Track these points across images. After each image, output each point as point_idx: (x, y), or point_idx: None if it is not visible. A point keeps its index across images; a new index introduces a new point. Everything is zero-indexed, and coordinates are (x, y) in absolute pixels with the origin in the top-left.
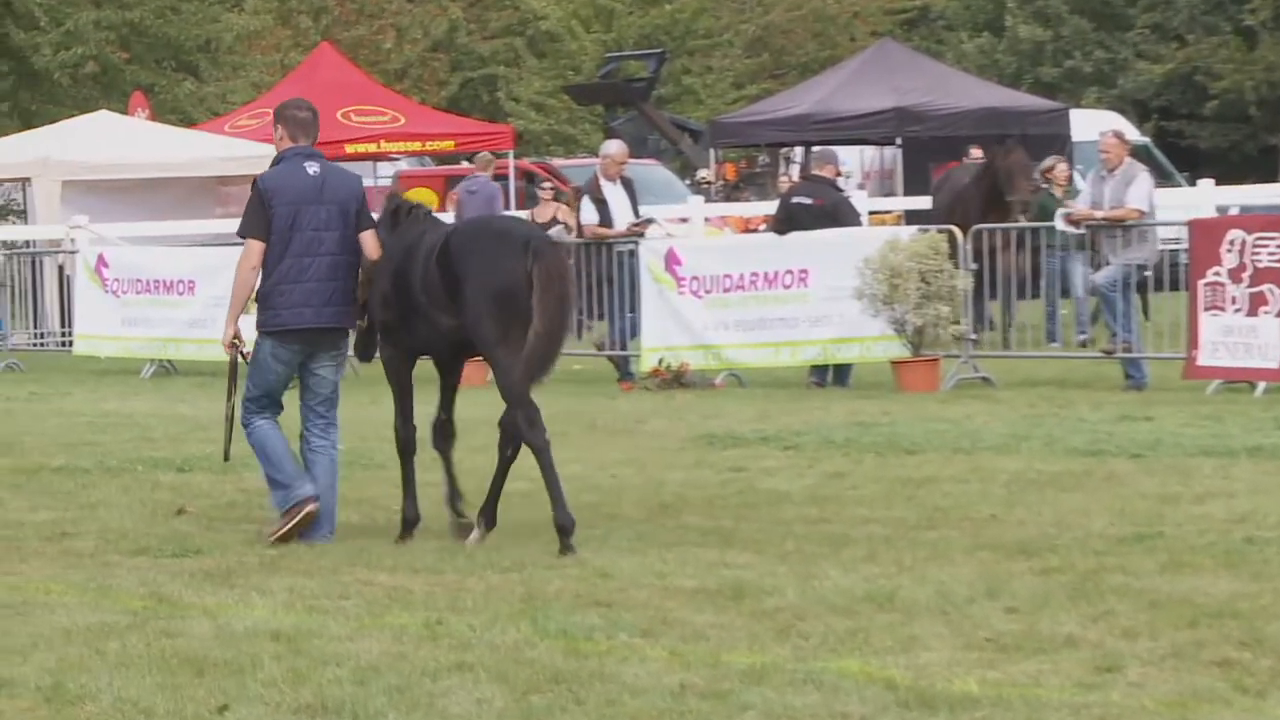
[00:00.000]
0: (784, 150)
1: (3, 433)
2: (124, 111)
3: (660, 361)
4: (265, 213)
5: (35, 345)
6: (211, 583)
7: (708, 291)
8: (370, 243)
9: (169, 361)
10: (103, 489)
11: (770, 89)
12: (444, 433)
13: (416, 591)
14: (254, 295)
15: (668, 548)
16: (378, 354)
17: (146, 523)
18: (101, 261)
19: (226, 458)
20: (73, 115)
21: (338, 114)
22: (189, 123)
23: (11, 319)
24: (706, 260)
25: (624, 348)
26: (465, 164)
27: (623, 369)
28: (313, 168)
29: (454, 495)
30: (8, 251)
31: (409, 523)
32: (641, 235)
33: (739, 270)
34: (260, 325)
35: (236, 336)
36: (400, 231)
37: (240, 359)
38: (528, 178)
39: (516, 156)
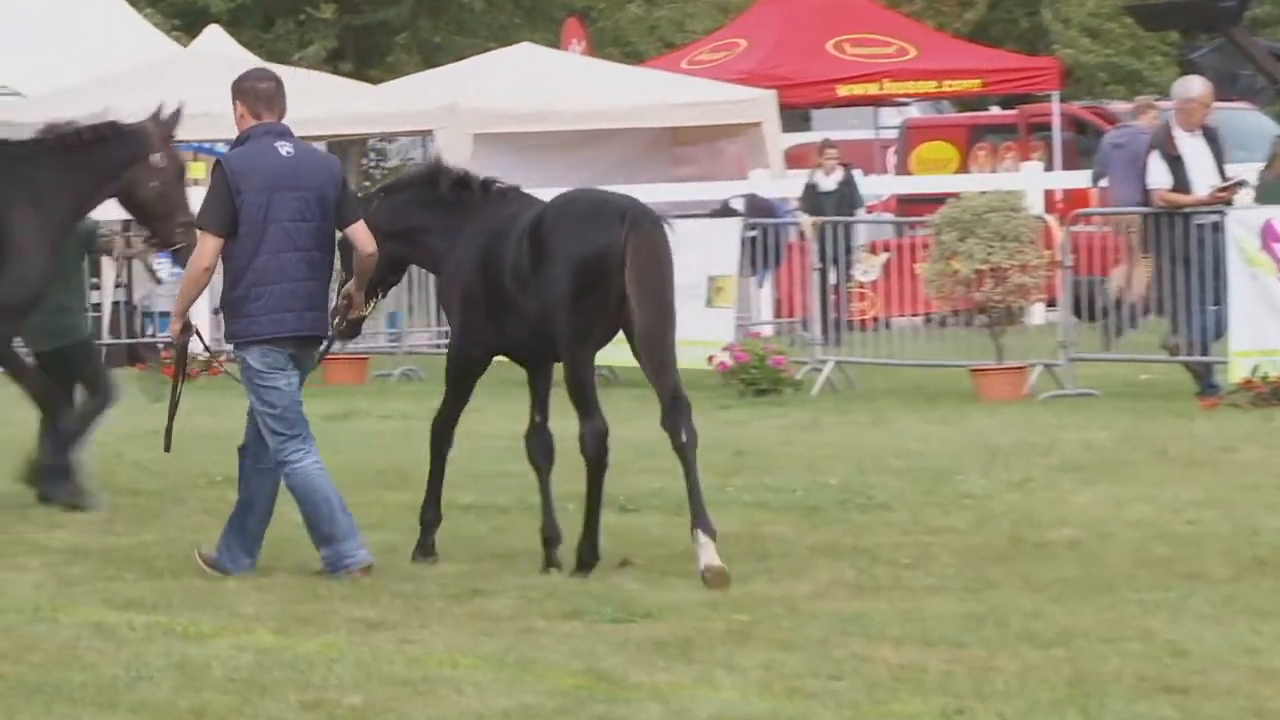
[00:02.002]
0: None
1: (397, 459)
2: (553, 44)
3: (1254, 370)
4: (231, 201)
5: (438, 347)
6: (664, 656)
7: None
8: (362, 235)
9: (609, 368)
10: (523, 533)
11: None
12: (541, 443)
13: (930, 671)
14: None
15: (1263, 617)
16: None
17: (579, 577)
18: None
19: (168, 448)
20: (488, 49)
21: (828, 45)
22: (636, 58)
23: (409, 314)
24: None
25: (1205, 352)
26: (995, 109)
27: (1204, 380)
28: (285, 148)
29: (551, 528)
30: None
31: (427, 526)
32: (1229, 203)
33: None
34: (234, 337)
35: (187, 327)
36: (477, 211)
37: (197, 340)
38: (1078, 127)
39: (1063, 99)
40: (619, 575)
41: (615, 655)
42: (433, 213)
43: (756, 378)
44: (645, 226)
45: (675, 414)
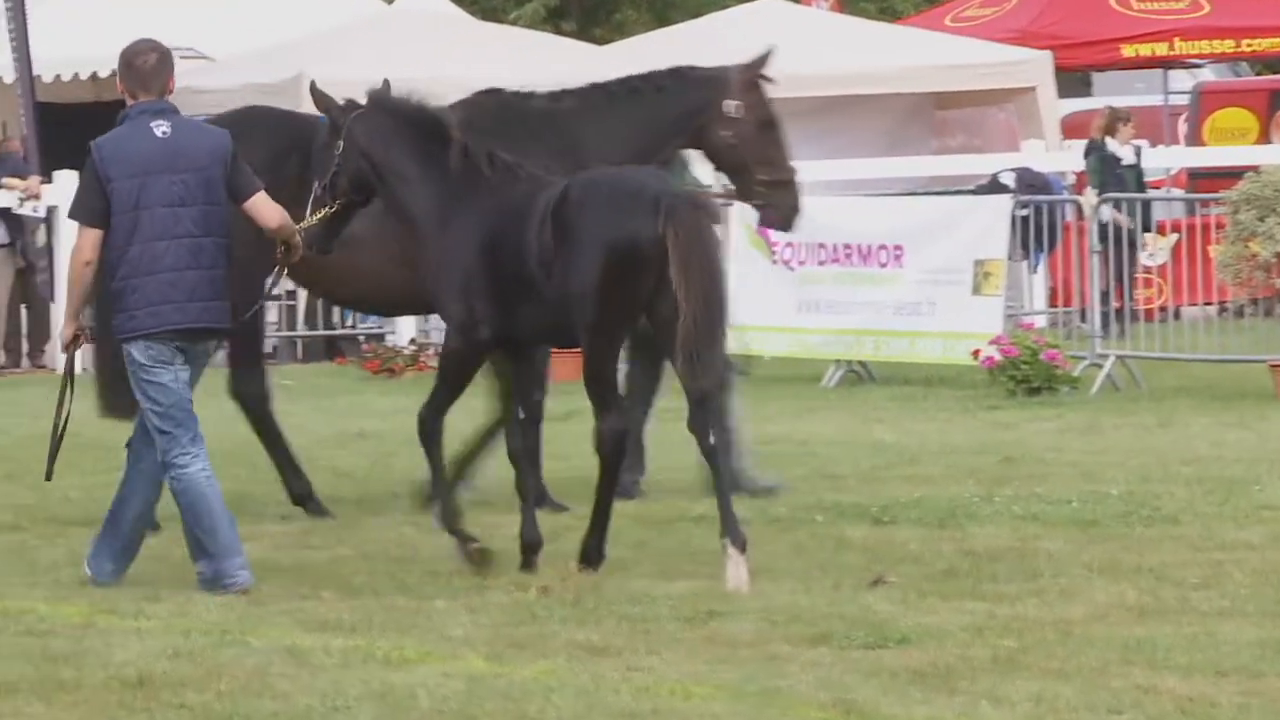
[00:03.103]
0: None
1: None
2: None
3: None
4: (101, 189)
5: None
6: (921, 686)
7: None
8: (264, 209)
9: (862, 364)
10: (765, 548)
11: None
12: (529, 445)
13: (1223, 704)
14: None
15: None
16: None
17: (829, 598)
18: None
19: (49, 476)
20: (725, 6)
21: (1112, 0)
22: (893, 15)
23: None
24: None
25: None
26: None
27: None
28: (161, 128)
29: (529, 523)
30: None
31: (458, 534)
32: None
33: None
34: (117, 332)
35: (79, 333)
36: (479, 187)
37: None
38: None
39: None
40: (872, 595)
41: (867, 685)
42: (420, 164)
43: (1028, 375)
44: (685, 214)
45: (705, 415)
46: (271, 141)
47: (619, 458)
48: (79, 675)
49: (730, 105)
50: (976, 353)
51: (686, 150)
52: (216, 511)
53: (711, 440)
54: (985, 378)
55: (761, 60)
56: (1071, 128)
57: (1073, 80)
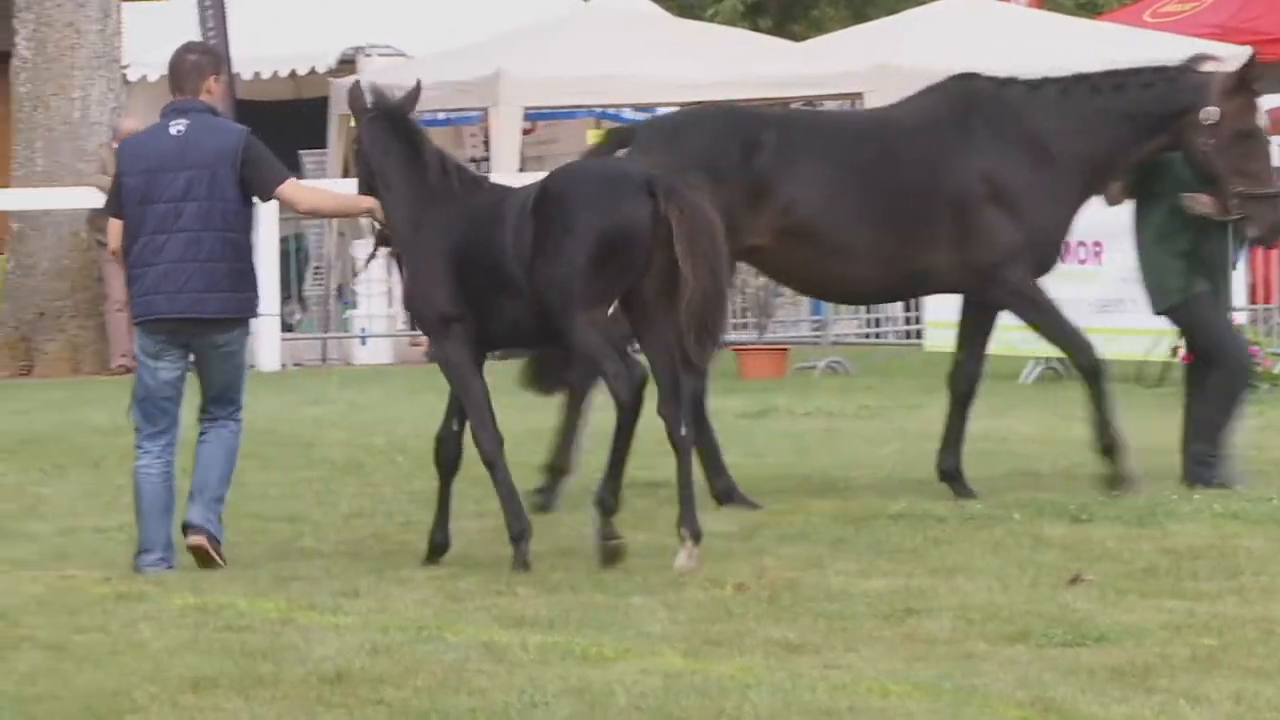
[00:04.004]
0: None
1: (822, 463)
2: None
3: None
4: (119, 184)
5: (867, 338)
6: (1120, 684)
7: None
8: (294, 194)
9: (1060, 360)
10: (963, 546)
11: None
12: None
13: None
14: None
15: None
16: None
17: (1026, 596)
18: None
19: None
20: (923, 1)
21: None
22: (1092, 11)
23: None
24: None
25: None
26: None
27: None
28: (177, 126)
29: (441, 528)
30: None
31: (520, 538)
32: None
33: None
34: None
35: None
36: (447, 199)
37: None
38: None
39: None
40: (1070, 593)
41: (1065, 683)
42: (403, 173)
43: None
44: (684, 193)
45: (675, 402)
46: (716, 136)
47: (638, 404)
48: (277, 670)
49: (1210, 112)
50: (1175, 350)
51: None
52: (145, 509)
53: (683, 430)
54: (1184, 375)
55: (1248, 67)
56: (1275, 123)
57: (1274, 75)
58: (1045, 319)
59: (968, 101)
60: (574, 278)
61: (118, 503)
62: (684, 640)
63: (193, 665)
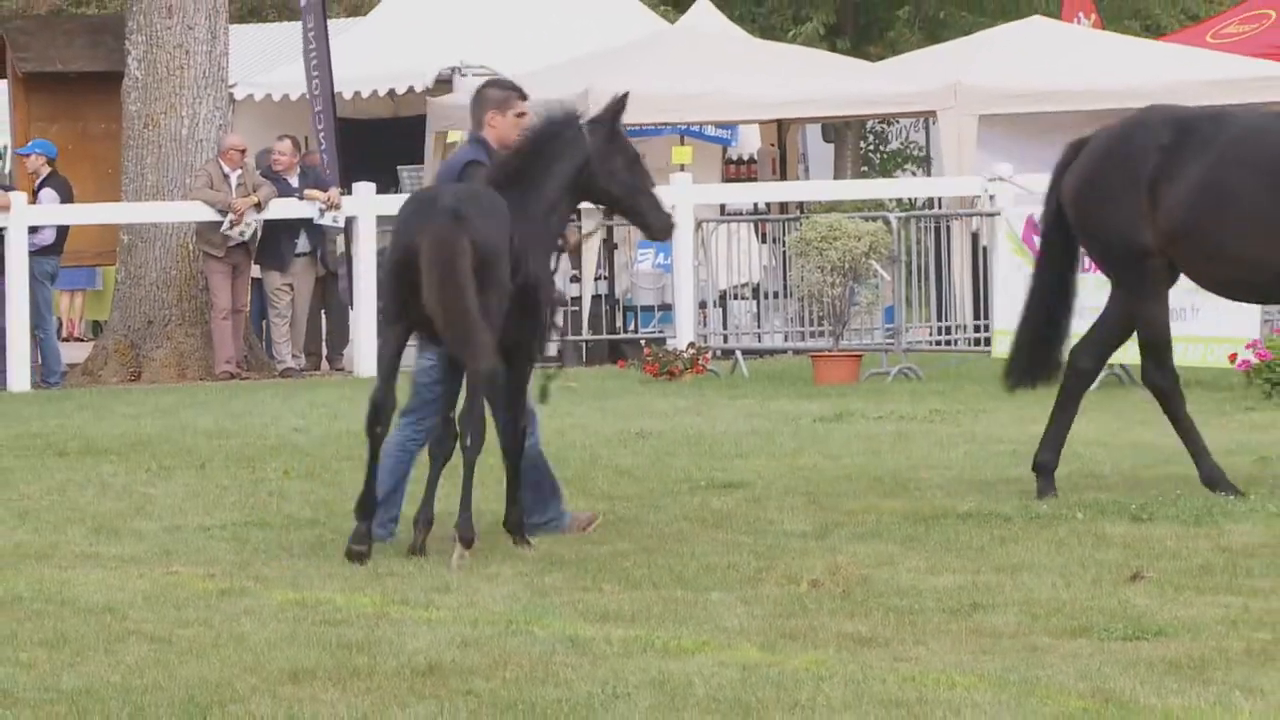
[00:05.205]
0: None
1: (893, 465)
2: (1056, 18)
3: None
4: None
5: (938, 344)
6: (1177, 677)
7: None
8: None
9: (1122, 367)
10: (1028, 544)
11: None
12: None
13: None
14: None
15: None
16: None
17: (1088, 592)
18: (1032, 227)
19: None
20: (995, 24)
21: None
22: (1155, 32)
23: (907, 307)
24: None
25: None
26: None
27: None
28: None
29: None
30: (903, 214)
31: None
32: None
33: None
34: None
35: None
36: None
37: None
38: None
39: None
40: (1130, 589)
41: (1125, 676)
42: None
43: None
44: (435, 220)
45: (468, 413)
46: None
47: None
48: (372, 663)
49: None
50: (1233, 357)
51: None
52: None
53: (468, 440)
54: (1242, 380)
55: None
56: None
57: None
58: None
59: (1171, 128)
60: (380, 292)
61: (222, 502)
62: (760, 634)
63: (291, 657)
